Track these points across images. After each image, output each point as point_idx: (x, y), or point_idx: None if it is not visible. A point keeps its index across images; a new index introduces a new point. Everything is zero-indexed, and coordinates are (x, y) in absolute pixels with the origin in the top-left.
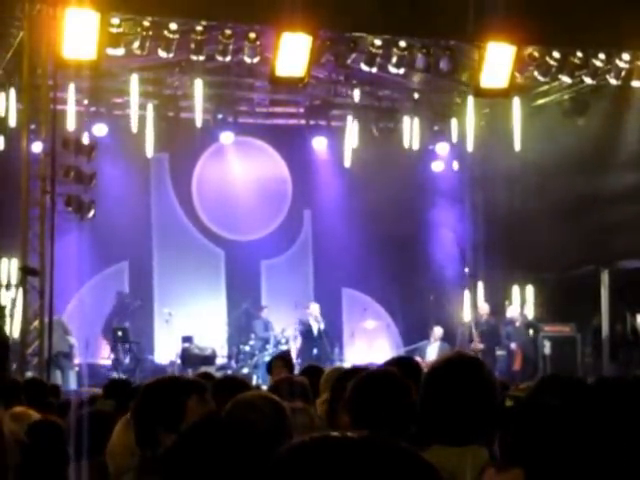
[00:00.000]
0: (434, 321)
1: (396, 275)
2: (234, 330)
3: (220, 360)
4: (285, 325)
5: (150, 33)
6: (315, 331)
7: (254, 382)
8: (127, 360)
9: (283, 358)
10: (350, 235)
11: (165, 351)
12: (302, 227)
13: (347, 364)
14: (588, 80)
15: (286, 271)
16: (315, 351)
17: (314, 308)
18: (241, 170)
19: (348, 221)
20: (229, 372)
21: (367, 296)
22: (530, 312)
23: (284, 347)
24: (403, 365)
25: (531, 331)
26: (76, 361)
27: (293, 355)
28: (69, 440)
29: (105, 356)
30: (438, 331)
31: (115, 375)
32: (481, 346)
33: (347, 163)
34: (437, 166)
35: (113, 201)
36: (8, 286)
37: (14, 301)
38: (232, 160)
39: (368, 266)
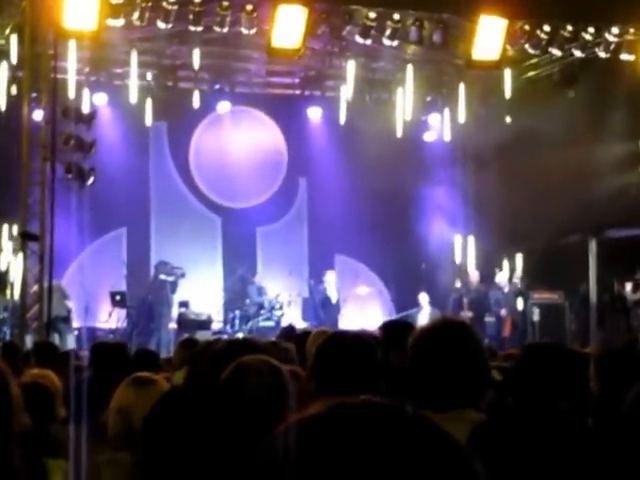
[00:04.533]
0: (425, 288)
1: (389, 243)
2: (230, 296)
3: (216, 325)
4: (280, 290)
5: (149, 4)
6: (333, 300)
7: None
8: (124, 324)
9: (288, 335)
10: (344, 203)
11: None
12: (297, 195)
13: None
14: (578, 53)
15: (281, 238)
16: (322, 315)
17: (331, 276)
18: (238, 139)
19: (342, 189)
20: (225, 337)
21: (360, 263)
22: (519, 280)
23: (278, 312)
24: (396, 327)
25: (520, 298)
26: (75, 325)
27: (299, 317)
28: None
29: (103, 320)
30: (424, 298)
31: (110, 338)
32: (470, 313)
33: (341, 133)
34: (429, 136)
35: (112, 169)
36: (13, 250)
37: (13, 266)
38: (229, 129)
39: (361, 234)
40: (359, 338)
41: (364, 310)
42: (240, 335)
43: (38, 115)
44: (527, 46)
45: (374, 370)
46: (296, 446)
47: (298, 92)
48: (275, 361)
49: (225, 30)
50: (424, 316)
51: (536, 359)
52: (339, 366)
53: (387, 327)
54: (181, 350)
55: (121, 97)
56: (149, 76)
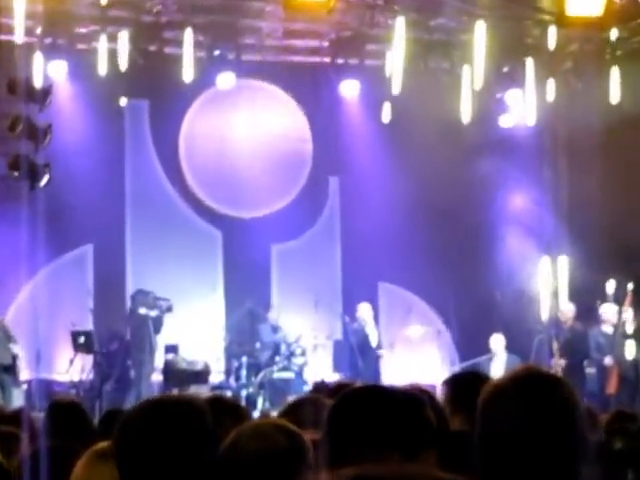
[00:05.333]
0: (501, 327)
1: (451, 267)
2: (234, 337)
3: (215, 377)
4: (302, 331)
5: None
6: (373, 342)
7: (259, 406)
8: (91, 376)
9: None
10: (390, 212)
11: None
12: (326, 201)
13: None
14: None
15: (304, 259)
16: (361, 365)
17: (365, 309)
18: (245, 124)
19: (387, 193)
20: (228, 393)
21: (412, 294)
22: (629, 316)
23: (299, 360)
24: (462, 382)
25: (630, 341)
26: (23, 376)
27: (329, 366)
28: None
29: (62, 370)
30: (498, 340)
31: (73, 394)
32: (563, 362)
33: (386, 116)
34: (506, 121)
35: (74, 164)
36: None
37: None
38: (233, 111)
39: (414, 254)
40: (401, 395)
41: (418, 357)
42: (250, 390)
43: None
44: None
45: (423, 438)
46: None
47: (327, 60)
48: (290, 424)
49: None
50: (498, 366)
51: None
52: (362, 431)
53: (451, 382)
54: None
55: (86, 67)
56: (124, 38)
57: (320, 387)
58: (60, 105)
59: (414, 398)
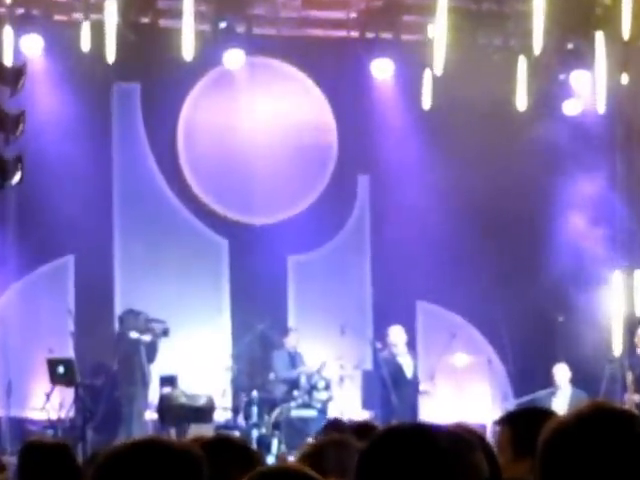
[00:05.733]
0: (564, 356)
1: (504, 282)
2: (243, 367)
3: (220, 415)
4: (326, 359)
5: None
6: (408, 373)
7: (274, 449)
8: (71, 413)
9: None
10: (431, 218)
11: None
12: (354, 203)
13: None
14: None
15: (328, 274)
16: (394, 400)
17: (396, 333)
18: (256, 112)
19: (427, 195)
20: (236, 434)
21: (456, 315)
22: None
23: (322, 395)
24: (522, 420)
25: None
26: None
27: (357, 402)
28: None
29: (37, 406)
30: (562, 372)
31: (51, 435)
32: (638, 396)
33: (426, 102)
34: (572, 107)
35: (52, 159)
36: None
37: None
38: (242, 96)
39: (459, 267)
40: (446, 438)
41: (464, 391)
42: (263, 431)
43: None
44: None
45: None
46: None
47: (355, 34)
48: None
49: None
50: (562, 402)
51: None
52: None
53: (512, 421)
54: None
55: (66, 42)
56: (111, 8)
57: (335, 426)
58: (35, 88)
59: (462, 441)
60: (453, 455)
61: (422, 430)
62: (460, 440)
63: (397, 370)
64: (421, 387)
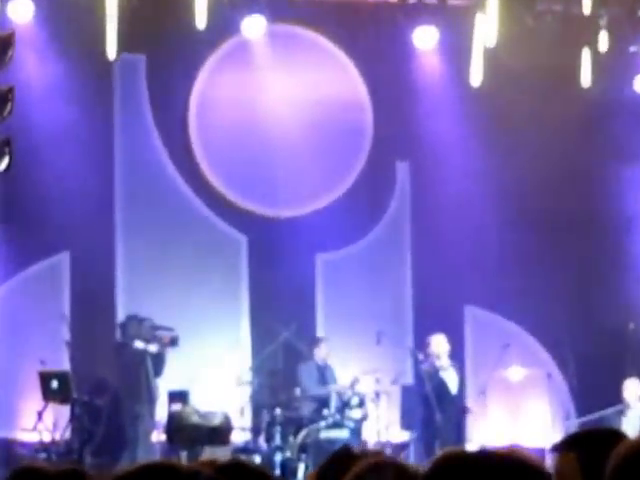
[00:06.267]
0: (636, 370)
1: (565, 285)
2: (264, 381)
3: (238, 436)
4: (359, 372)
5: None
6: (451, 386)
7: (300, 476)
8: (67, 434)
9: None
10: (480, 211)
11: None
12: (392, 193)
13: (471, 444)
14: None
15: (362, 274)
16: (439, 419)
17: (439, 343)
18: (279, 87)
19: (477, 185)
20: (257, 458)
21: (510, 322)
22: None
23: (355, 414)
24: (590, 443)
25: None
26: None
27: (395, 421)
28: None
29: (27, 426)
30: (635, 388)
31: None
32: None
33: (476, 77)
34: None
35: (45, 142)
36: None
37: None
38: (263, 68)
39: (513, 268)
40: (505, 466)
41: (519, 409)
42: (287, 455)
43: None
44: None
45: None
46: None
47: None
48: None
49: None
50: (632, 421)
51: None
52: None
53: (571, 445)
54: None
55: (61, 7)
56: None
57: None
58: (25, 61)
59: (535, 470)
60: None
61: (487, 459)
62: (532, 469)
63: (440, 385)
64: (469, 405)
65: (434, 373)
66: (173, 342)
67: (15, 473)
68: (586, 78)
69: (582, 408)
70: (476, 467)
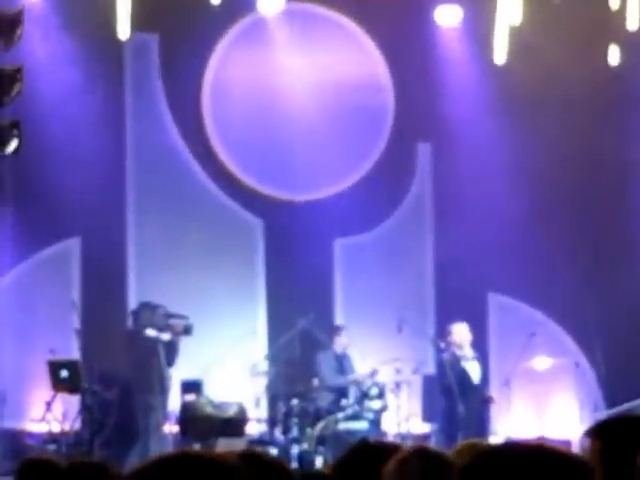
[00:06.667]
0: None
1: (594, 271)
2: (281, 371)
3: (254, 427)
4: (379, 362)
5: None
6: (473, 376)
7: (319, 465)
8: (77, 424)
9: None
10: (505, 194)
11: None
12: (413, 176)
13: (496, 437)
14: None
15: (382, 259)
16: (461, 411)
17: (461, 332)
18: (297, 67)
19: (501, 167)
20: (273, 450)
21: (536, 309)
22: None
23: (375, 404)
24: (619, 434)
25: None
26: None
27: (416, 412)
28: None
29: (36, 416)
30: None
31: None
32: None
33: (500, 55)
34: None
35: (54, 124)
36: None
37: None
38: (280, 48)
39: (539, 253)
40: (533, 457)
41: (546, 399)
42: (305, 447)
43: None
44: None
45: None
46: None
47: None
48: None
49: None
50: None
51: None
52: None
53: (600, 433)
54: None
55: None
56: None
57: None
58: (34, 40)
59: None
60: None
61: (502, 448)
62: (545, 456)
63: (462, 375)
64: (492, 395)
65: (455, 363)
66: (187, 331)
67: (23, 465)
68: (614, 55)
69: (611, 399)
70: (508, 460)
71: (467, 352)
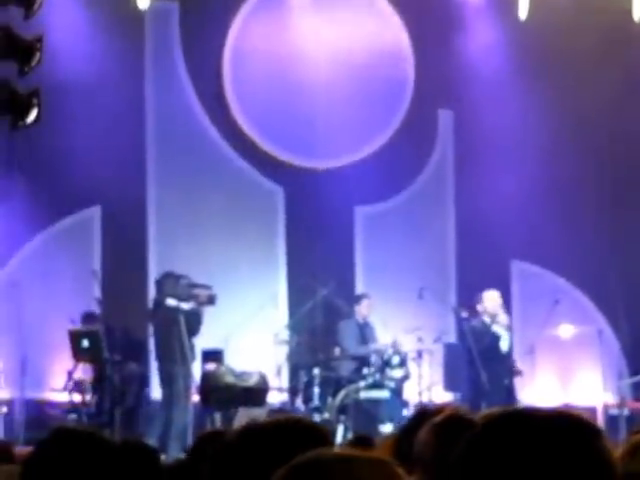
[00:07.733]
0: None
1: (618, 238)
2: (302, 340)
3: (275, 396)
4: (400, 331)
5: None
6: (502, 345)
7: (339, 438)
8: (98, 394)
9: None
10: (528, 159)
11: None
12: (434, 143)
13: (519, 406)
14: None
15: (403, 227)
16: (485, 380)
17: (493, 299)
18: (317, 36)
19: (524, 131)
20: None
21: (560, 277)
22: None
23: (397, 373)
24: None
25: None
26: (1, 395)
27: (438, 382)
28: None
29: (57, 386)
30: None
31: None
32: None
33: (523, 10)
34: None
35: (74, 94)
36: None
37: None
38: (300, 16)
39: (563, 220)
40: (559, 423)
41: (570, 367)
42: (326, 416)
43: None
44: None
45: None
46: None
47: None
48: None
49: None
50: None
51: None
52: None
53: None
54: None
55: None
56: None
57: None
58: (54, 10)
59: (587, 428)
60: (578, 445)
61: (524, 413)
62: (584, 426)
63: (491, 343)
64: (520, 369)
65: (485, 331)
66: (211, 300)
67: (53, 434)
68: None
69: (634, 366)
70: (528, 423)
71: (502, 319)
